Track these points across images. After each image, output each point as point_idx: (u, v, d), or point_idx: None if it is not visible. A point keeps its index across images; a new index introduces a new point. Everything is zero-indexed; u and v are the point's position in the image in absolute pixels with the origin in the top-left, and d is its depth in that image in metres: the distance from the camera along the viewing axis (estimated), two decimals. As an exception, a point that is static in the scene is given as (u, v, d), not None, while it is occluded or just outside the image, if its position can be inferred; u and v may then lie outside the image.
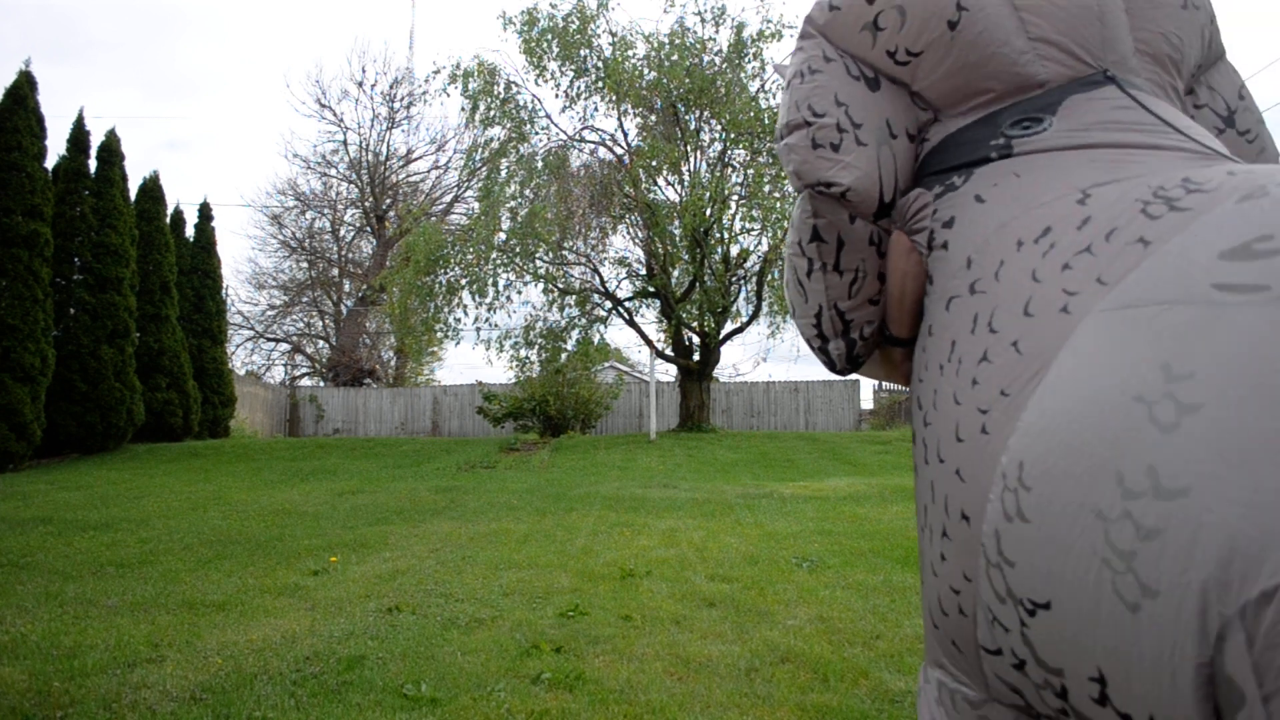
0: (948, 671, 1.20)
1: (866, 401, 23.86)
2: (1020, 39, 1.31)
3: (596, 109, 16.91)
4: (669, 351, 17.89)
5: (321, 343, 32.88)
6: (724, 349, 19.22)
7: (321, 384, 29.98)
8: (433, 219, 25.78)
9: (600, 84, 15.98)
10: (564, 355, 17.81)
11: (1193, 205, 0.94)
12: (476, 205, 18.86)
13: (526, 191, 16.21)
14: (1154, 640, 0.75)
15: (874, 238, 1.43)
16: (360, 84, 36.79)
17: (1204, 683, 0.72)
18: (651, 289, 17.77)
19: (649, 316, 19.31)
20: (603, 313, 18.06)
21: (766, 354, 57.48)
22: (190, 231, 18.71)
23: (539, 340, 17.50)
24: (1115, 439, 0.80)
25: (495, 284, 16.52)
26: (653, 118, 16.57)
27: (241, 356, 31.05)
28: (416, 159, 32.16)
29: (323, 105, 31.26)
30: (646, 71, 15.92)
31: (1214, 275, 0.81)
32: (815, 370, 28.26)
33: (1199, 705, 0.72)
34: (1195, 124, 1.28)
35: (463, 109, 18.11)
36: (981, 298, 1.15)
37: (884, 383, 27.15)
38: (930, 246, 1.31)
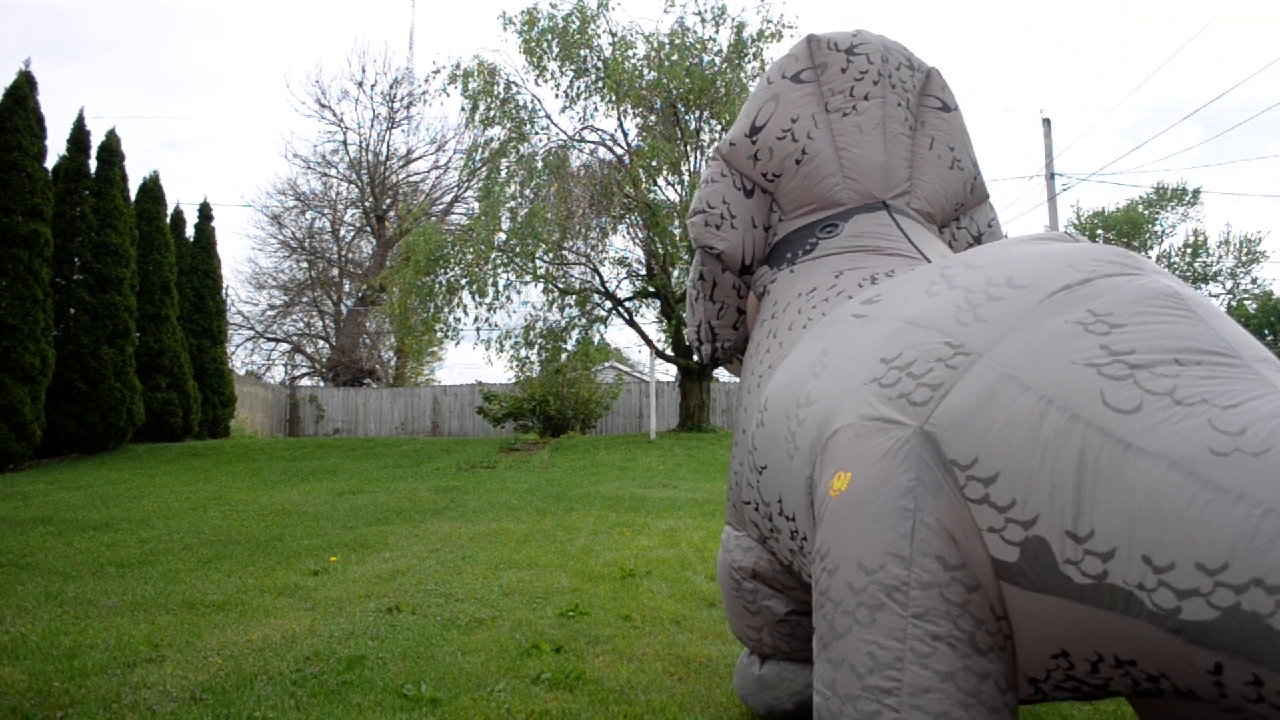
0: (731, 526, 2.42)
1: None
2: (837, 175, 2.40)
3: (596, 109, 16.87)
4: (669, 351, 17.89)
5: (321, 343, 32.88)
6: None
7: (321, 384, 29.97)
8: (433, 219, 25.76)
9: (600, 84, 15.97)
10: (564, 355, 17.80)
11: (895, 282, 1.87)
12: (476, 205, 18.84)
13: (526, 191, 16.20)
14: (796, 473, 1.66)
15: (736, 285, 2.59)
16: (360, 84, 36.78)
17: (809, 487, 1.66)
18: (651, 289, 17.76)
19: (649, 316, 19.32)
20: (603, 313, 18.06)
21: (766, 354, 57.36)
22: (190, 231, 18.70)
23: (539, 340, 17.49)
24: (797, 382, 1.80)
25: (495, 284, 16.50)
26: (653, 118, 16.55)
27: (241, 356, 31.06)
28: (416, 159, 32.16)
29: (323, 105, 31.21)
30: (646, 71, 15.90)
31: (855, 310, 1.80)
32: (815, 370, 28.13)
33: (806, 497, 1.66)
34: (927, 238, 2.32)
35: (463, 109, 18.10)
36: (775, 321, 2.25)
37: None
38: (763, 294, 2.43)
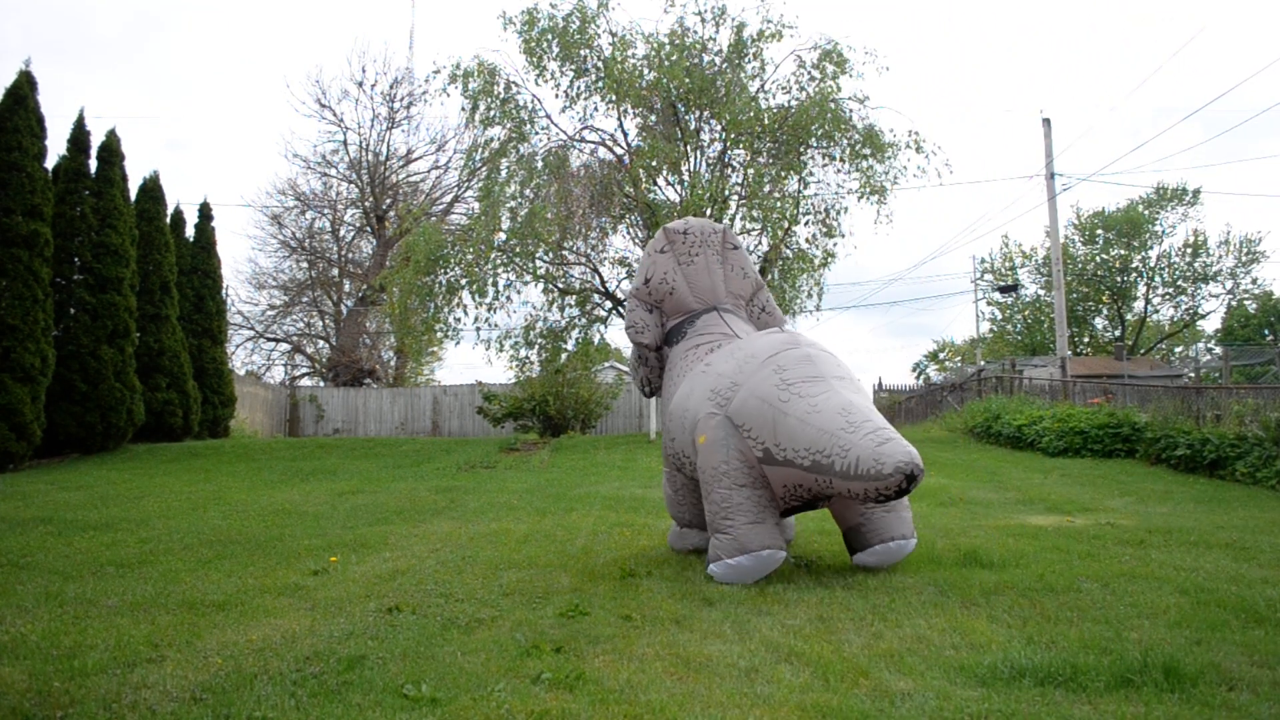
0: (667, 464, 5.72)
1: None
2: (689, 296, 5.78)
3: (596, 109, 16.84)
4: (669, 351, 17.85)
5: (321, 343, 32.86)
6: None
7: (321, 384, 29.95)
8: (433, 219, 25.76)
9: (600, 84, 15.96)
10: (564, 355, 17.79)
11: (719, 353, 5.28)
12: (476, 205, 18.84)
13: (526, 191, 16.19)
14: (688, 438, 5.00)
15: (658, 357, 5.97)
16: (360, 84, 36.70)
17: (693, 442, 4.95)
18: (651, 289, 17.68)
19: (649, 316, 19.22)
20: (603, 313, 18.04)
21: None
22: (190, 231, 18.70)
23: (539, 340, 17.47)
24: (682, 400, 5.22)
25: (495, 284, 16.49)
26: (653, 118, 16.54)
27: (241, 356, 31.04)
28: (416, 159, 32.14)
29: (323, 105, 31.07)
30: (646, 71, 15.90)
31: (702, 369, 5.19)
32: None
33: (692, 447, 4.95)
34: (737, 322, 5.73)
35: (463, 109, 18.08)
36: (671, 372, 5.70)
37: (882, 384, 27.34)
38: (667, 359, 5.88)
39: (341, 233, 32.19)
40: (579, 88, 16.35)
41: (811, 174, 16.75)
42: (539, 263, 16.85)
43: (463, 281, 16.44)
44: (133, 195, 15.58)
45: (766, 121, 15.90)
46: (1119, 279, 41.16)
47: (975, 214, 75.81)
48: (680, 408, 5.15)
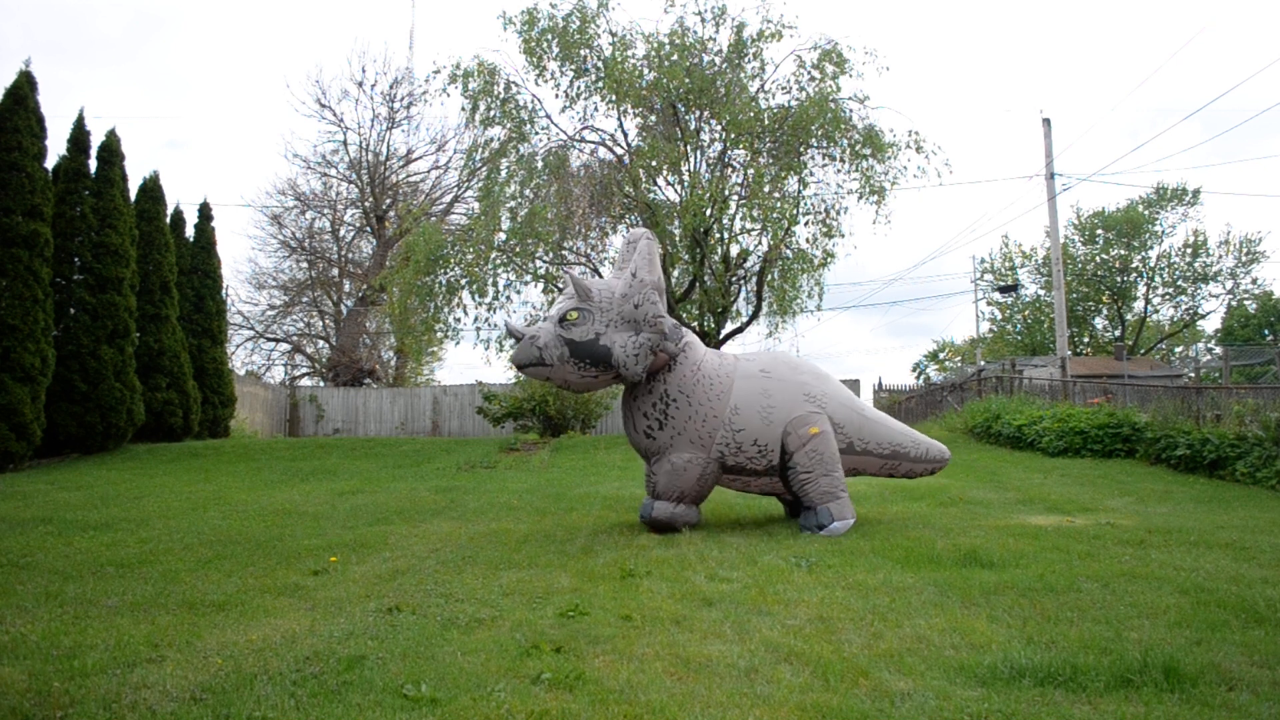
0: (690, 449, 6.44)
1: (865, 401, 23.92)
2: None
3: (596, 109, 16.83)
4: (669, 351, 17.83)
5: (321, 343, 32.85)
6: (724, 349, 19.19)
7: (321, 384, 29.94)
8: (433, 219, 25.75)
9: (600, 84, 15.95)
10: (564, 355, 17.72)
11: (764, 362, 6.83)
12: (476, 205, 18.84)
13: (526, 191, 16.18)
14: (773, 429, 6.43)
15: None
16: (360, 84, 36.69)
17: (782, 434, 6.40)
18: (651, 289, 17.67)
19: (649, 316, 19.22)
20: (602, 313, 18.01)
21: (766, 354, 57.44)
22: (190, 231, 18.68)
23: (539, 340, 17.42)
24: (755, 398, 6.44)
25: (495, 284, 16.49)
26: (653, 118, 16.54)
27: (241, 356, 31.03)
28: (416, 159, 32.11)
29: (323, 105, 31.02)
30: (646, 71, 15.89)
31: (760, 371, 6.59)
32: (815, 370, 28.23)
33: (779, 438, 6.38)
34: None
35: (463, 109, 18.08)
36: (681, 368, 6.52)
37: (882, 384, 27.35)
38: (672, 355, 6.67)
39: (341, 233, 32.19)
40: (579, 88, 16.34)
41: (811, 174, 16.75)
42: (539, 263, 16.85)
43: (463, 281, 16.44)
44: (133, 195, 15.57)
45: (766, 121, 15.89)
46: (1119, 279, 41.16)
47: (975, 214, 75.88)
48: (761, 405, 6.37)
